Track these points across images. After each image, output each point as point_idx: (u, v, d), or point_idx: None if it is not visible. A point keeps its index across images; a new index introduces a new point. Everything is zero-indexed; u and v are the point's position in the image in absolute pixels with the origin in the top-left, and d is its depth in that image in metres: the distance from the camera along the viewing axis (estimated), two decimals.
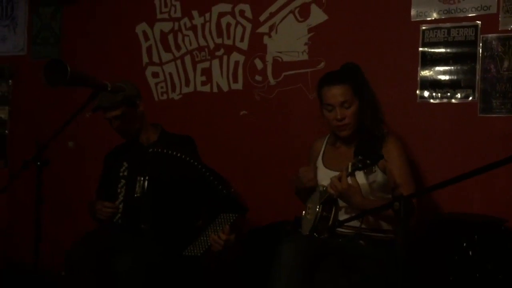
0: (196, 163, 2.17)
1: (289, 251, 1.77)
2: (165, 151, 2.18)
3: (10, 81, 3.63)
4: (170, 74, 3.24)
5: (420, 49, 2.62)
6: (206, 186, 2.16)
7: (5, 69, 3.62)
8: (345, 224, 1.99)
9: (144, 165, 2.22)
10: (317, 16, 2.84)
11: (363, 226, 1.97)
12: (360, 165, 1.82)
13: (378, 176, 2.03)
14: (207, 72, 3.14)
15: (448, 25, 2.56)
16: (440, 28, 2.58)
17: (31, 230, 1.98)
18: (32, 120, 3.60)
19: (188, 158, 2.17)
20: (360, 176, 1.99)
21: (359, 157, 1.83)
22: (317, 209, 1.95)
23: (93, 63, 3.38)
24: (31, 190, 1.96)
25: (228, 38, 3.08)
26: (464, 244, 2.13)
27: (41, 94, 3.48)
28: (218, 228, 2.12)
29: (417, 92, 2.63)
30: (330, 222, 1.90)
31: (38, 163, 1.87)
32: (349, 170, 1.86)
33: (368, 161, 1.80)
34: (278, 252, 1.79)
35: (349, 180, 1.87)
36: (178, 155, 2.15)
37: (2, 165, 3.65)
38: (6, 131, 3.65)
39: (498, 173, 2.41)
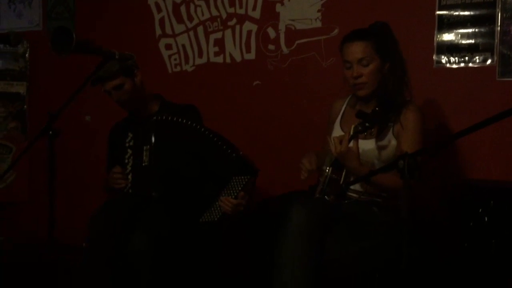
0: (202, 129, 2.16)
1: (298, 214, 1.74)
2: (169, 118, 2.18)
3: (27, 56, 3.68)
4: (183, 45, 3.22)
5: (437, 12, 2.54)
6: (214, 151, 2.15)
7: (22, 45, 3.66)
8: (356, 190, 1.97)
9: (149, 133, 2.21)
10: None
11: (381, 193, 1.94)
12: (360, 128, 1.78)
13: (390, 142, 1.96)
14: (219, 43, 3.11)
15: None
16: None
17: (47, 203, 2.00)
18: (49, 94, 3.64)
19: (193, 124, 2.16)
20: (370, 141, 1.96)
21: (361, 120, 1.79)
22: (327, 171, 1.92)
23: (107, 36, 3.38)
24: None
25: (240, 7, 3.04)
26: (480, 210, 2.09)
27: (58, 68, 3.52)
28: (231, 191, 2.12)
29: (434, 57, 2.56)
30: (341, 183, 1.87)
31: (50, 132, 1.88)
32: (351, 133, 1.82)
33: (367, 124, 1.76)
34: (286, 215, 1.76)
35: (351, 143, 1.82)
36: (184, 121, 2.15)
37: (23, 140, 3.71)
38: (25, 106, 3.70)
39: None
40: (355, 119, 1.88)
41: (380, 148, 1.95)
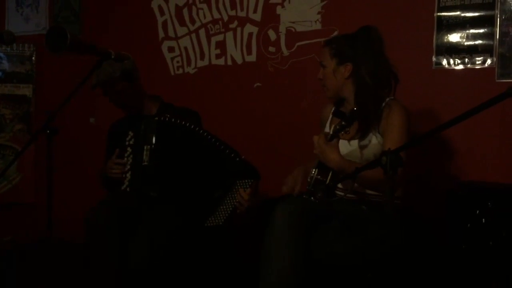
0: (204, 132, 2.18)
1: (282, 212, 1.76)
2: (172, 119, 2.20)
3: (33, 59, 3.74)
4: (186, 48, 3.26)
5: (436, 14, 2.54)
6: (216, 154, 2.16)
7: (29, 48, 3.73)
8: (343, 188, 1.97)
9: (151, 133, 2.23)
10: None
11: (368, 192, 1.94)
12: (338, 127, 1.79)
13: (370, 142, 1.95)
14: (221, 45, 3.14)
15: None
16: None
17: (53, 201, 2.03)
18: (55, 96, 3.68)
19: (195, 127, 2.18)
20: (354, 142, 1.97)
21: (339, 119, 1.80)
22: (312, 173, 1.93)
23: (111, 39, 3.43)
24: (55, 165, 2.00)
25: (242, 10, 3.06)
26: (477, 212, 2.07)
27: (64, 71, 3.56)
28: (236, 195, 2.14)
29: (433, 58, 2.56)
30: (327, 183, 1.87)
31: (48, 131, 1.91)
32: (331, 132, 1.85)
33: (343, 123, 1.76)
34: (272, 214, 1.78)
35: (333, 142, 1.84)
36: (186, 123, 2.17)
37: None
38: (31, 108, 3.76)
39: None
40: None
41: (362, 148, 1.96)
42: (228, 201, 2.17)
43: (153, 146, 2.22)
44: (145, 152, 2.22)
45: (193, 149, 2.22)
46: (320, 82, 2.12)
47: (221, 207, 2.17)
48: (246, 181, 2.14)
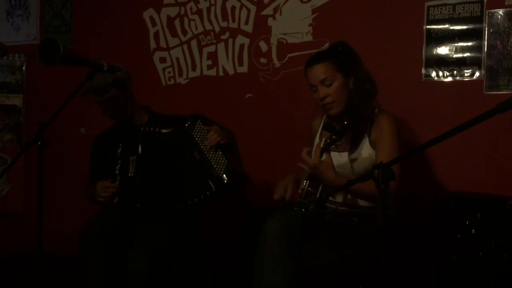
0: (189, 140, 2.17)
1: (274, 226, 1.77)
2: (157, 129, 2.20)
3: (23, 69, 3.73)
4: (177, 59, 3.27)
5: (425, 27, 2.58)
6: (199, 165, 2.16)
7: (19, 58, 3.72)
8: (335, 201, 1.98)
9: (136, 144, 2.23)
10: None
11: (360, 204, 1.95)
12: (328, 141, 1.80)
13: (361, 156, 1.96)
14: (213, 56, 3.15)
15: (453, 1, 2.51)
16: (445, 5, 2.53)
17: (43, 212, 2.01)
18: (45, 106, 3.67)
19: (180, 136, 2.18)
20: (344, 155, 1.98)
21: (330, 133, 1.81)
22: (304, 184, 1.93)
23: (103, 49, 3.44)
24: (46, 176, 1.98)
25: (233, 21, 3.08)
26: (467, 223, 2.09)
27: (54, 81, 3.55)
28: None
29: (422, 70, 2.59)
30: (317, 196, 1.87)
31: (39, 143, 1.90)
32: (322, 146, 1.84)
33: (334, 137, 1.77)
34: (263, 227, 1.79)
35: (324, 156, 1.83)
36: (171, 133, 2.17)
37: (18, 152, 3.73)
38: (21, 118, 3.74)
39: (505, 152, 2.40)
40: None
41: (352, 161, 1.97)
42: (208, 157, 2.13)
43: (139, 157, 2.22)
44: (131, 163, 2.22)
45: (177, 158, 2.21)
46: (320, 102, 2.03)
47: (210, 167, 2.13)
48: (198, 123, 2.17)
